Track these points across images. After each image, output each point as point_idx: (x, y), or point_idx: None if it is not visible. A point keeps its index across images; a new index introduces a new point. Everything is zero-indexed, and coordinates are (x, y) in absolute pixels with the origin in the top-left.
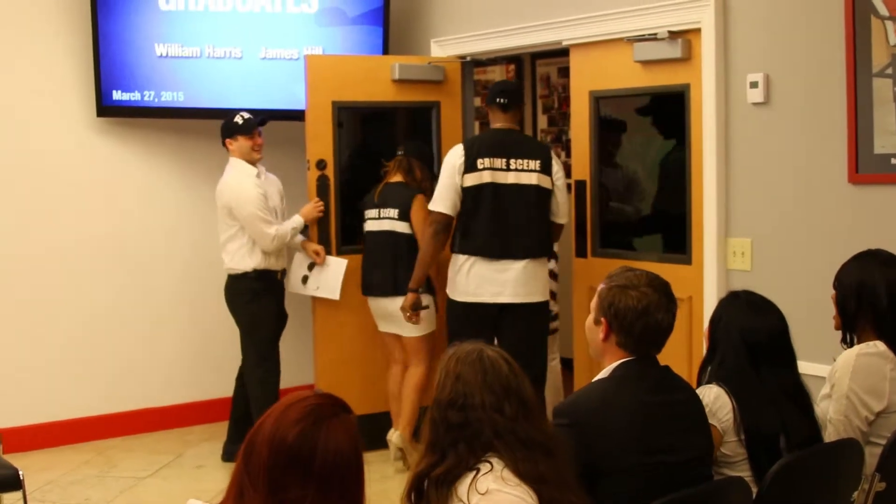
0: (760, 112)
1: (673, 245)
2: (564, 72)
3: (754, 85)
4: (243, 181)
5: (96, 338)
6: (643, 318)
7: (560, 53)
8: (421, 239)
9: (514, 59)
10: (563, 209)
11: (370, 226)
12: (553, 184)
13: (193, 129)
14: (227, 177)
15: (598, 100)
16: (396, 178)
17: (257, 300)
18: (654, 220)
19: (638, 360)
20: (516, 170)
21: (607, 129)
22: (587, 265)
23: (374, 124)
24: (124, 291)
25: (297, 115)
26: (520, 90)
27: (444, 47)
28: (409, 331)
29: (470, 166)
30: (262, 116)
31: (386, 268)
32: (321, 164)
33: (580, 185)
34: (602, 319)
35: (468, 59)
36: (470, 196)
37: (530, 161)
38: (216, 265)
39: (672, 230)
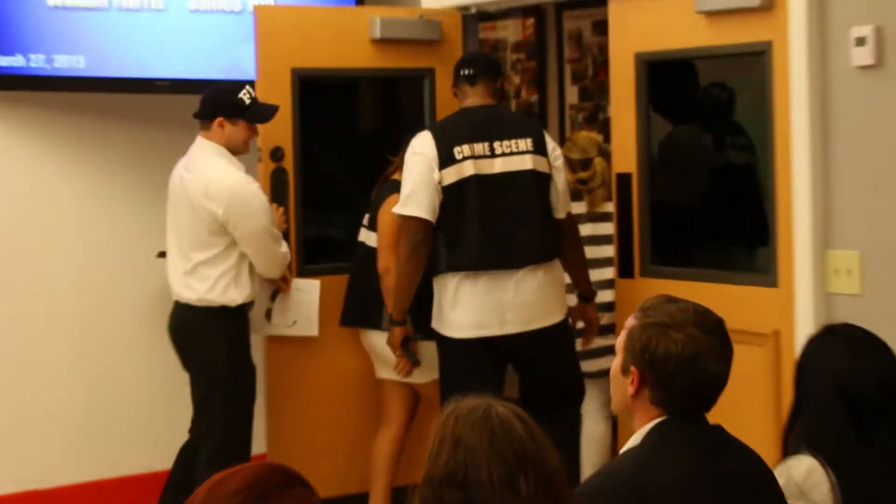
0: (870, 78)
1: (752, 261)
2: (601, 27)
3: (861, 42)
4: (244, 184)
5: None
6: (690, 370)
7: (595, 2)
8: (386, 255)
9: (534, 11)
10: (563, 200)
11: (360, 236)
12: (551, 166)
13: (99, 105)
14: (212, 171)
15: (648, 65)
16: (398, 174)
17: (239, 343)
18: (726, 227)
19: (680, 421)
20: (504, 154)
21: (660, 105)
22: (634, 288)
23: (346, 99)
24: (14, 332)
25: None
26: (493, 60)
27: None
28: (421, 375)
29: (446, 158)
30: (275, 106)
31: (367, 289)
32: (277, 154)
33: (623, 179)
34: (632, 368)
35: (472, 10)
36: (451, 196)
37: (519, 141)
38: (132, 291)
39: (750, 240)
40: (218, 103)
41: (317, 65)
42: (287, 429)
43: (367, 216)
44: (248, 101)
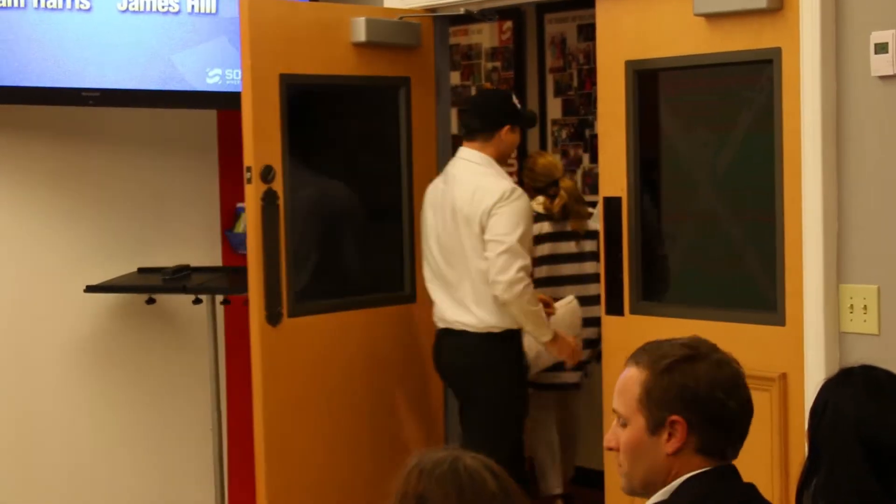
0: (891, 89)
1: (755, 296)
2: (588, 32)
3: (882, 48)
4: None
5: None
6: (735, 395)
7: (581, 4)
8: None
9: (512, 13)
10: None
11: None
12: None
13: (15, 120)
14: (490, 185)
15: (640, 74)
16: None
17: (522, 368)
18: (725, 258)
19: (720, 473)
20: None
21: (653, 120)
22: (624, 327)
23: (324, 110)
24: None
25: (178, 100)
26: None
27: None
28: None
29: None
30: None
31: None
32: (267, 175)
33: (612, 204)
34: (673, 418)
35: (436, 11)
36: None
37: None
38: (56, 329)
39: (753, 273)
40: (503, 111)
41: (304, 70)
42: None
43: None
44: (520, 108)
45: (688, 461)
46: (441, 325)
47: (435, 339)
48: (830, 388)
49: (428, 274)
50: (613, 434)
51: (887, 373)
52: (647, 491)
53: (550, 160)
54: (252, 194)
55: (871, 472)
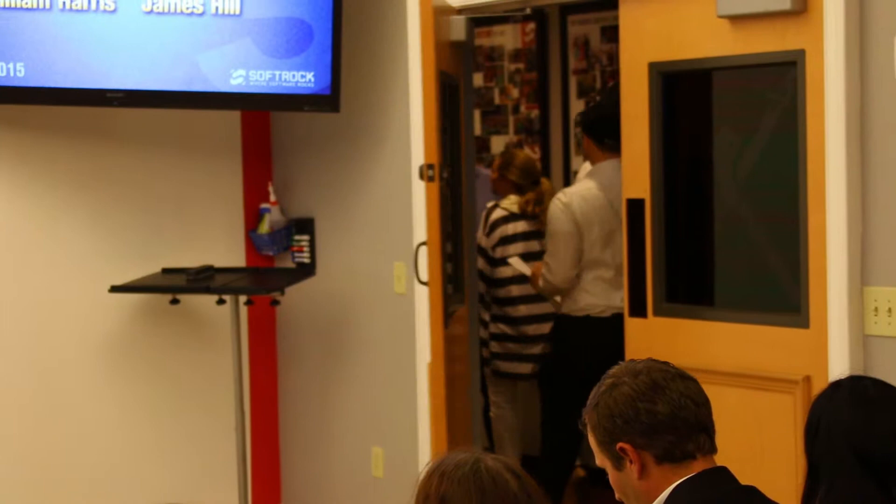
0: None
1: (779, 298)
2: (611, 33)
3: None
4: None
5: None
6: (662, 397)
7: (604, 5)
8: None
9: (535, 15)
10: None
11: None
12: None
13: (40, 120)
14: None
15: (664, 77)
16: None
17: None
18: (749, 259)
19: (709, 478)
20: None
21: (677, 122)
22: (647, 329)
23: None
24: None
25: (201, 101)
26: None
27: None
28: None
29: None
30: None
31: None
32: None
33: (635, 206)
34: (620, 446)
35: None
36: None
37: None
38: (80, 329)
39: (777, 275)
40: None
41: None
42: None
43: None
44: None
45: (659, 475)
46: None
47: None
48: (821, 404)
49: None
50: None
51: (875, 381)
52: None
53: (530, 156)
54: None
55: (871, 481)
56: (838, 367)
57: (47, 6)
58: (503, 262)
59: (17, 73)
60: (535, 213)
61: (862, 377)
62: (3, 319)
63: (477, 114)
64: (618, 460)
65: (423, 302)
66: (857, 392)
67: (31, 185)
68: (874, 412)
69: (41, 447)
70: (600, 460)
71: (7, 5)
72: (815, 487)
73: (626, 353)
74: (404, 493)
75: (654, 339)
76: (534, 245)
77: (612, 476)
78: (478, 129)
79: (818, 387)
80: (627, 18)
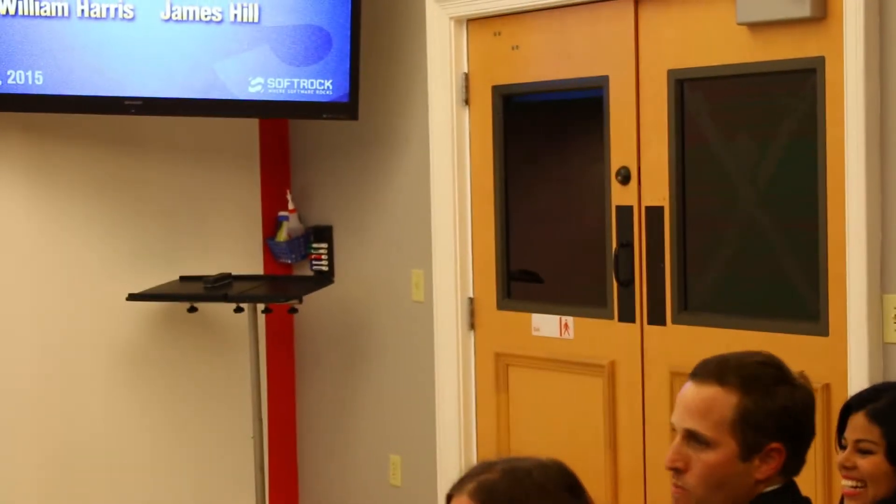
0: None
1: (797, 306)
2: None
3: None
4: None
5: None
6: (814, 416)
7: None
8: None
9: None
10: None
11: None
12: None
13: (60, 128)
14: None
15: (682, 83)
16: None
17: None
18: (768, 268)
19: (792, 491)
20: None
21: (696, 129)
22: (666, 336)
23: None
24: None
25: (219, 108)
26: None
27: (445, 5)
28: None
29: None
30: None
31: None
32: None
33: (654, 213)
34: (774, 446)
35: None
36: None
37: None
38: (98, 335)
39: (796, 282)
40: None
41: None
42: None
43: None
44: None
45: (768, 484)
46: None
47: None
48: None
49: None
50: (680, 454)
51: None
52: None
53: None
54: None
55: None
56: (857, 375)
57: (66, 14)
58: None
59: (35, 80)
60: None
61: None
62: (24, 325)
63: None
64: (752, 452)
65: (441, 309)
66: None
67: (50, 193)
68: None
69: (62, 450)
70: (716, 436)
71: (25, 13)
72: None
73: (645, 360)
74: (422, 502)
75: (671, 346)
76: None
77: (721, 458)
78: None
79: (837, 395)
80: (646, 25)
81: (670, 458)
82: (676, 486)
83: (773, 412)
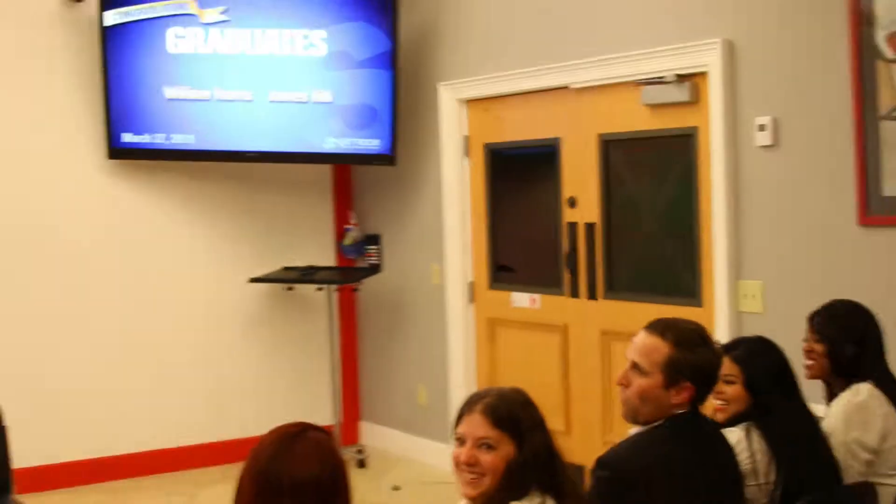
0: (769, 154)
1: (682, 287)
2: None
3: (762, 128)
4: None
5: (110, 379)
6: (717, 369)
7: None
8: None
9: None
10: None
11: None
12: None
13: (204, 171)
14: None
15: (608, 143)
16: None
17: None
18: (662, 263)
19: (692, 416)
20: None
21: (616, 172)
22: (597, 308)
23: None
24: (137, 333)
25: (306, 158)
26: None
27: (452, 90)
28: None
29: None
30: None
31: None
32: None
33: (590, 227)
34: (686, 384)
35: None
36: None
37: None
38: (231, 306)
39: (681, 273)
40: None
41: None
42: None
43: None
44: None
45: (680, 408)
46: None
47: None
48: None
49: None
50: (626, 377)
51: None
52: (641, 421)
53: None
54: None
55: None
56: (721, 333)
57: (208, 98)
58: None
59: (188, 141)
60: None
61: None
62: (183, 301)
63: None
64: (671, 385)
65: (451, 290)
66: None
67: (198, 213)
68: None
69: (212, 385)
70: (650, 369)
71: (182, 97)
72: None
73: (585, 324)
74: (439, 415)
75: (601, 314)
76: None
77: (650, 383)
78: None
79: None
80: (584, 106)
81: (620, 378)
82: (622, 398)
83: (691, 363)
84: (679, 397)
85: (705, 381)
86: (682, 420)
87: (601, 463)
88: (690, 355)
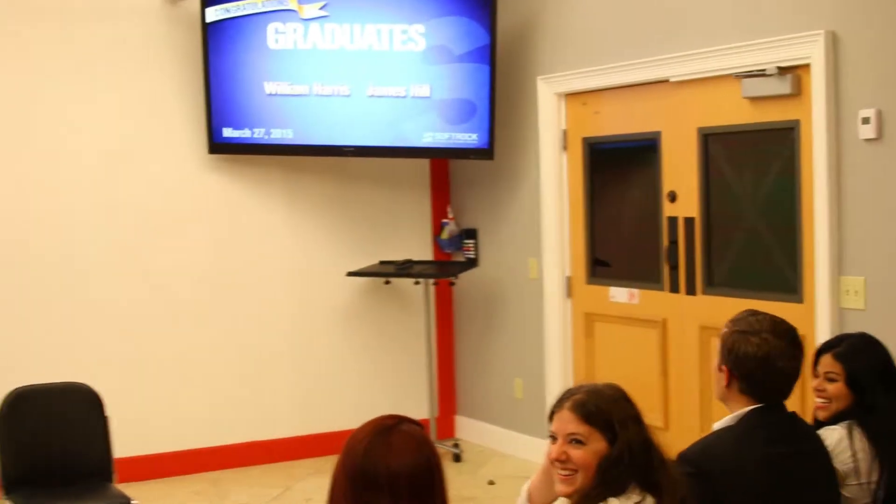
0: (873, 148)
1: (783, 283)
2: None
3: (866, 121)
4: None
5: (208, 371)
6: (764, 366)
7: None
8: None
9: None
10: None
11: None
12: None
13: (303, 165)
14: None
15: (707, 137)
16: None
17: None
18: (764, 258)
19: (765, 409)
20: None
21: (716, 166)
22: (696, 303)
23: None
24: (236, 326)
25: (404, 153)
26: None
27: (550, 84)
28: None
29: None
30: None
31: None
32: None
33: (689, 222)
34: (724, 367)
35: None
36: None
37: None
38: (327, 299)
39: (782, 268)
40: None
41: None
42: None
43: None
44: None
45: (737, 396)
46: None
47: None
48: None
49: None
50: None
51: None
52: (723, 403)
53: None
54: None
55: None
56: (822, 329)
57: (306, 93)
58: None
59: (287, 135)
60: None
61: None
62: (279, 295)
63: None
64: (719, 368)
65: (549, 284)
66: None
67: (298, 206)
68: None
69: (307, 373)
70: (714, 352)
71: (281, 93)
72: None
73: (684, 319)
74: (535, 409)
75: (701, 310)
76: None
77: (714, 367)
78: None
79: (808, 343)
80: (684, 99)
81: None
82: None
83: (726, 343)
84: (723, 380)
85: (740, 369)
86: (753, 414)
87: (683, 458)
88: (728, 337)
